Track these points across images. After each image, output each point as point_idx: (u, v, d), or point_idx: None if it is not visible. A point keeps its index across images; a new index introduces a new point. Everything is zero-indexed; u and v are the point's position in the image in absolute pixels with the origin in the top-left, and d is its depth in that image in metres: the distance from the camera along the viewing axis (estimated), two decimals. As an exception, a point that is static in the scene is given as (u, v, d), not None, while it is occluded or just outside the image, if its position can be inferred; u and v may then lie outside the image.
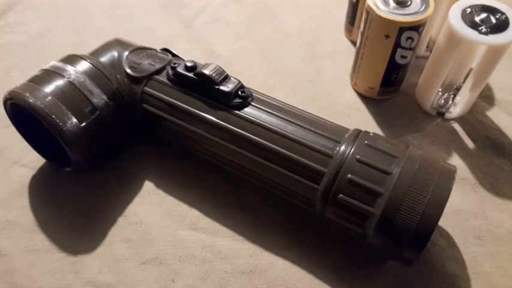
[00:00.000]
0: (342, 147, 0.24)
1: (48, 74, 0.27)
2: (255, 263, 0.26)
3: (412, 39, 0.30)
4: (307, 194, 0.25)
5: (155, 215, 0.28)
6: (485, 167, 0.31)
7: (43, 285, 0.25)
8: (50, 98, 0.25)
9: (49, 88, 0.26)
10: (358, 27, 0.33)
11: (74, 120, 0.25)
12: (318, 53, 0.39)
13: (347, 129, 0.26)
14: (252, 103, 0.26)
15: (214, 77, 0.26)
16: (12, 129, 0.29)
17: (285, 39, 0.40)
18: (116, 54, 0.29)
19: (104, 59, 0.29)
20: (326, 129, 0.25)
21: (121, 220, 0.28)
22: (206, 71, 0.26)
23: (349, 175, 0.23)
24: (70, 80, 0.26)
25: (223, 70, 0.27)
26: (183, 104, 0.27)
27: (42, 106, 0.24)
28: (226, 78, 0.27)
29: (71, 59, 0.28)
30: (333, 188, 0.23)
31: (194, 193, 0.29)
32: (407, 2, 0.30)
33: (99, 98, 0.26)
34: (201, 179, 0.30)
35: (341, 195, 0.23)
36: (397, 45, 0.30)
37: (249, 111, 0.26)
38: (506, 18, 0.28)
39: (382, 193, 0.22)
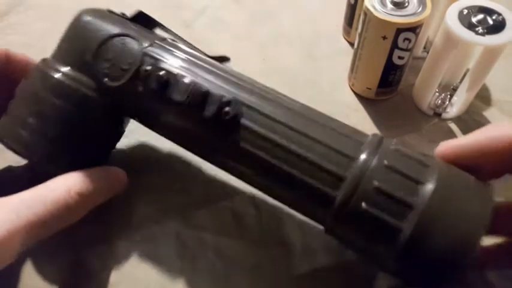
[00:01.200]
0: (366, 150, 0.20)
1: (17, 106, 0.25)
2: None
3: (409, 40, 0.30)
4: (315, 217, 0.21)
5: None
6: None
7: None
8: (11, 128, 0.24)
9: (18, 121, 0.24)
10: (356, 29, 0.33)
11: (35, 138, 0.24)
12: (317, 53, 0.39)
13: (364, 136, 0.22)
14: (242, 119, 0.22)
15: (189, 103, 0.22)
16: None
17: (284, 40, 0.40)
18: (83, 54, 0.25)
19: (71, 65, 0.25)
20: (338, 138, 0.21)
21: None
22: (178, 97, 0.22)
23: (376, 182, 0.19)
24: (42, 112, 0.24)
25: (199, 86, 0.22)
26: (164, 122, 0.24)
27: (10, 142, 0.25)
28: (206, 97, 0.22)
29: (39, 77, 0.25)
30: (353, 196, 0.19)
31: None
32: (405, 4, 0.30)
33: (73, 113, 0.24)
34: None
35: (364, 203, 0.19)
36: (394, 46, 0.30)
37: (239, 132, 0.22)
38: (503, 19, 0.29)
39: (414, 206, 0.18)
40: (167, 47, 0.25)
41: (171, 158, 0.31)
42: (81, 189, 0.23)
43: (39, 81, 0.24)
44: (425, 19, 0.30)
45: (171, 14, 0.43)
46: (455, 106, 0.34)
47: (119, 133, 0.28)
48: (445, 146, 0.22)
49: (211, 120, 0.22)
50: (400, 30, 0.29)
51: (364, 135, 0.22)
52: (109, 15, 0.26)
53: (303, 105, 0.24)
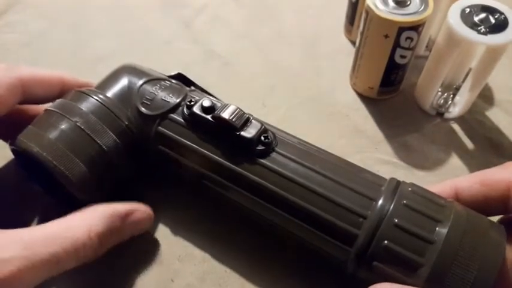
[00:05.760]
0: (378, 207, 0.21)
1: (53, 117, 0.25)
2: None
3: (412, 39, 0.30)
4: (337, 254, 0.22)
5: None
6: (484, 167, 0.30)
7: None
8: (55, 145, 0.23)
9: (54, 134, 0.24)
10: (358, 27, 0.33)
11: (83, 167, 0.24)
12: (318, 52, 0.39)
13: (382, 180, 0.23)
14: (276, 148, 0.24)
15: (235, 122, 0.23)
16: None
17: (285, 38, 0.40)
18: (126, 86, 0.27)
19: (113, 93, 0.26)
20: (359, 182, 0.22)
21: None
22: (225, 115, 0.23)
23: (385, 241, 0.20)
24: (77, 123, 0.24)
25: (243, 113, 0.24)
26: (200, 148, 0.24)
27: (49, 157, 0.23)
28: (247, 121, 0.24)
29: (77, 97, 0.26)
30: (367, 253, 0.20)
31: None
32: (407, 2, 0.30)
33: (108, 139, 0.25)
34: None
35: (376, 262, 0.20)
36: (396, 45, 0.30)
37: (272, 160, 0.23)
38: (505, 18, 0.28)
39: (423, 264, 0.19)
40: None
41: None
42: (103, 231, 0.22)
43: (79, 100, 0.25)
44: (428, 18, 0.30)
45: (171, 13, 0.43)
46: (458, 106, 0.33)
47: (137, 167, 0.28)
48: (441, 188, 0.23)
49: (250, 141, 0.23)
50: (402, 29, 0.29)
51: (380, 184, 0.23)
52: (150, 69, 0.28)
53: (325, 152, 0.25)
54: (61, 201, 0.27)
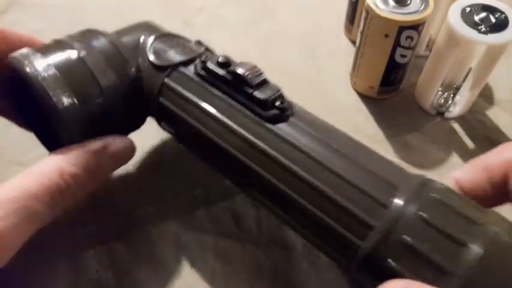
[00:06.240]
0: (402, 197, 0.17)
1: (59, 45, 0.23)
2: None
3: (412, 39, 0.30)
4: (342, 248, 0.18)
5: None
6: (484, 167, 0.31)
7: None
8: (51, 71, 0.21)
9: (53, 59, 0.22)
10: (358, 26, 0.33)
11: (74, 100, 0.22)
12: (318, 52, 0.39)
13: (408, 173, 0.19)
14: (291, 118, 0.21)
15: (249, 78, 0.22)
16: (10, 128, 0.29)
17: (285, 38, 0.40)
18: (142, 37, 0.25)
19: (127, 39, 0.25)
20: (380, 167, 0.19)
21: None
22: (240, 70, 0.22)
23: (408, 237, 0.16)
24: (81, 55, 0.23)
25: (261, 72, 0.22)
26: (206, 104, 0.22)
27: (39, 78, 0.21)
28: (264, 83, 0.22)
29: (89, 33, 0.24)
30: (379, 249, 0.16)
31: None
32: (407, 1, 0.30)
33: (109, 80, 0.23)
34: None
35: (390, 260, 0.16)
36: (396, 44, 0.30)
37: (285, 128, 0.21)
38: (506, 17, 0.28)
39: (453, 272, 0.15)
40: None
41: (171, 158, 0.31)
42: (76, 171, 0.20)
43: (91, 37, 0.24)
44: (428, 17, 0.30)
45: (171, 12, 0.42)
46: (458, 105, 0.33)
47: (137, 124, 0.27)
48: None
49: (263, 103, 0.21)
50: (403, 28, 0.29)
51: (405, 176, 0.19)
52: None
53: (337, 134, 0.22)
54: (45, 143, 0.25)
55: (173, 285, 0.25)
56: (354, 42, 0.37)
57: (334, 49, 0.39)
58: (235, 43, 0.40)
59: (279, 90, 0.22)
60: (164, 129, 0.26)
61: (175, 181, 0.30)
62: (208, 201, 0.29)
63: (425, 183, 0.18)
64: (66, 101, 0.21)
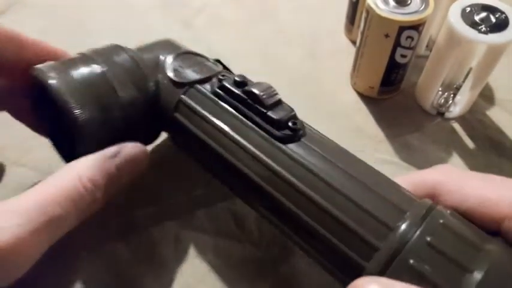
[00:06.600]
0: (408, 221, 0.17)
1: (83, 59, 0.24)
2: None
3: (412, 39, 0.30)
4: (348, 269, 0.18)
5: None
6: (485, 167, 0.31)
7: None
8: (73, 84, 0.22)
9: (76, 73, 0.23)
10: (358, 27, 0.33)
11: (94, 112, 0.22)
12: (318, 52, 0.39)
13: (414, 197, 0.19)
14: (303, 139, 0.22)
15: (264, 98, 0.22)
16: (12, 128, 0.28)
17: (285, 38, 0.40)
18: (162, 54, 0.26)
19: (148, 56, 0.26)
20: (388, 190, 0.19)
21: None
22: (256, 90, 0.22)
23: (413, 261, 0.16)
24: (103, 70, 0.24)
25: (276, 93, 0.23)
26: (220, 121, 0.23)
27: (61, 91, 0.22)
28: (278, 103, 0.23)
29: (112, 49, 0.25)
30: (384, 272, 0.17)
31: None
32: (407, 1, 0.30)
33: (129, 95, 0.24)
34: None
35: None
36: (397, 44, 0.30)
37: (296, 148, 0.21)
38: (506, 17, 0.28)
39: None
40: None
41: (171, 158, 0.31)
42: (94, 175, 0.21)
43: (114, 52, 0.25)
44: (428, 17, 0.30)
45: (171, 12, 0.42)
46: (459, 105, 0.33)
47: (152, 138, 0.27)
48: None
49: (277, 123, 0.22)
50: (403, 28, 0.29)
51: (412, 200, 0.19)
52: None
53: (347, 156, 0.22)
54: (61, 152, 0.26)
55: (173, 286, 0.25)
56: (354, 43, 0.37)
57: (335, 49, 0.39)
58: (235, 43, 0.40)
59: (292, 111, 0.23)
60: (177, 144, 0.27)
61: (175, 181, 0.29)
62: (208, 202, 0.29)
63: (432, 208, 0.18)
64: (86, 114, 0.22)
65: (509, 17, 0.28)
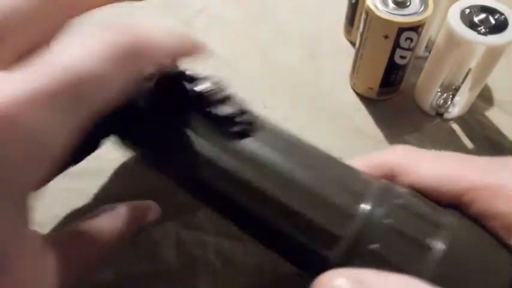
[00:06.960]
0: (368, 206, 0.17)
1: None
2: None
3: (411, 40, 0.30)
4: (311, 259, 0.18)
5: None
6: (484, 167, 0.31)
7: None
8: None
9: None
10: (358, 28, 0.33)
11: None
12: (318, 53, 0.39)
13: (371, 179, 0.19)
14: (255, 133, 0.20)
15: (208, 96, 0.21)
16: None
17: (285, 39, 0.40)
18: None
19: None
20: (344, 178, 0.19)
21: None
22: (197, 88, 0.21)
23: (373, 245, 0.17)
24: None
25: (222, 89, 0.21)
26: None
27: None
28: (225, 99, 0.21)
29: None
30: (350, 259, 0.17)
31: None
32: (407, 3, 0.30)
33: None
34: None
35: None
36: (396, 45, 0.30)
37: (249, 143, 0.20)
38: (505, 18, 0.28)
39: (419, 276, 0.15)
40: None
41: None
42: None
43: None
44: (427, 18, 0.30)
45: (171, 13, 0.43)
46: (458, 106, 0.33)
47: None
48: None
49: (223, 120, 0.20)
50: (402, 29, 0.29)
51: (369, 183, 0.19)
52: None
53: (315, 148, 0.21)
54: None
55: (174, 286, 0.25)
56: (353, 44, 0.37)
57: (334, 50, 0.39)
58: (235, 44, 0.40)
59: (241, 106, 0.21)
60: (128, 147, 0.25)
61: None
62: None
63: (388, 189, 0.18)
64: None
65: (508, 19, 0.28)
